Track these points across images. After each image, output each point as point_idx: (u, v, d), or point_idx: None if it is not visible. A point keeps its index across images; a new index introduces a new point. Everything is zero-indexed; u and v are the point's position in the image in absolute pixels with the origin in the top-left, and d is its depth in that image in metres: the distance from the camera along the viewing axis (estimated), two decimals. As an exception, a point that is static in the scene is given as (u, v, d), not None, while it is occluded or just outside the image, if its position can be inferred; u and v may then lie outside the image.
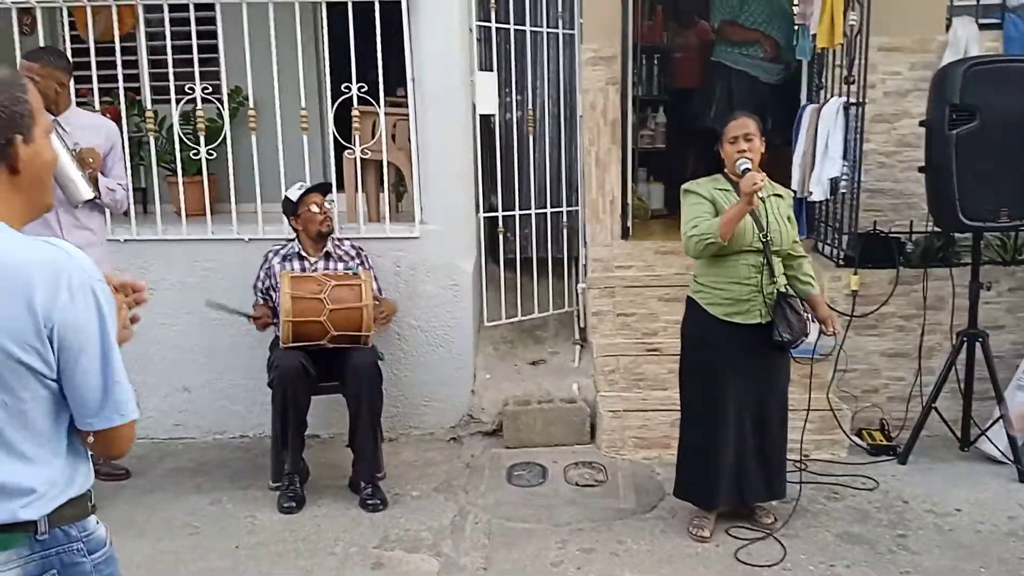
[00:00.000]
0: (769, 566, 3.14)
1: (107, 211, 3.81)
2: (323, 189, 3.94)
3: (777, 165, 4.18)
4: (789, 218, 3.32)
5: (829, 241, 4.57)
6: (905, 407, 4.26)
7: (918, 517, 3.51)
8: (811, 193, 4.41)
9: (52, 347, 1.36)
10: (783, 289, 3.25)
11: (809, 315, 3.30)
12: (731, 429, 3.29)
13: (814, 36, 4.43)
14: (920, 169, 4.09)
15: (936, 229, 4.25)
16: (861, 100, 4.25)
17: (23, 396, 1.37)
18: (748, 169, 3.13)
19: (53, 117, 3.41)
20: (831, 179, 4.29)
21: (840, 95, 4.35)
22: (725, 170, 3.31)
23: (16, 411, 1.37)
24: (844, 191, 4.31)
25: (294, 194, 3.84)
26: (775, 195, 3.32)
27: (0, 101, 1.36)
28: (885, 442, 4.15)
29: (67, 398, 1.42)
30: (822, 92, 4.71)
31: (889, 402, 4.35)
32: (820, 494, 3.69)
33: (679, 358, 3.44)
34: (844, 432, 4.08)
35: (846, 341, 4.24)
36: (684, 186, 3.34)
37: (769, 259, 3.19)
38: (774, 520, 3.40)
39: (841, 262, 4.38)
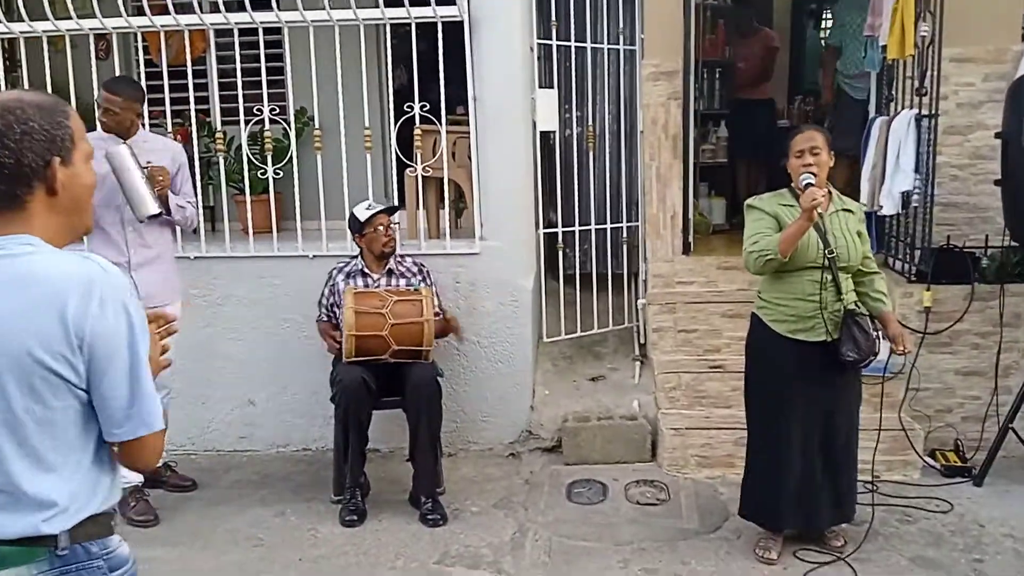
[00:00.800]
0: (839, 591, 3.04)
1: (177, 230, 3.92)
2: (390, 211, 3.97)
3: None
4: (860, 233, 3.22)
5: (901, 256, 4.44)
6: (981, 427, 4.10)
7: (995, 541, 3.37)
8: (881, 207, 4.30)
9: (82, 357, 1.39)
10: (851, 306, 3.15)
11: (879, 333, 3.19)
12: (796, 449, 3.21)
13: (884, 47, 4.34)
14: (996, 182, 3.97)
15: (1013, 243, 4.09)
16: (934, 112, 4.14)
17: (53, 406, 1.40)
18: (811, 184, 3.05)
19: (123, 141, 3.54)
20: (902, 192, 4.17)
21: (911, 107, 4.23)
22: (792, 184, 3.25)
23: (45, 421, 1.40)
24: (916, 205, 4.20)
25: (362, 213, 3.86)
26: (844, 210, 3.23)
27: (41, 124, 1.41)
28: (960, 463, 4.00)
29: (95, 409, 1.44)
30: (892, 104, 4.60)
31: (964, 422, 4.20)
32: (892, 517, 3.57)
33: (744, 375, 3.38)
34: (917, 453, 3.94)
35: (919, 359, 4.11)
36: (748, 201, 3.28)
37: (835, 276, 3.11)
38: (844, 543, 3.30)
39: (913, 278, 4.25)
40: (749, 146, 6.11)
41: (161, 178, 3.60)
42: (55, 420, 1.41)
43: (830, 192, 3.20)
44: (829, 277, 3.11)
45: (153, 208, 3.52)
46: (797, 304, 3.15)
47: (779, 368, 3.20)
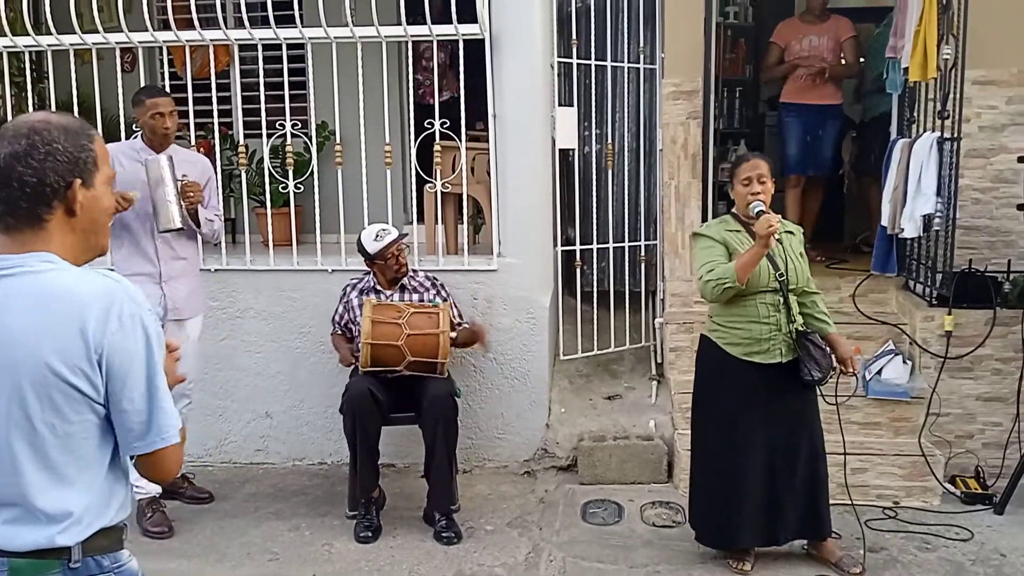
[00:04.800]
0: (857, 619, 3.01)
1: (200, 241, 3.96)
2: (401, 239, 3.93)
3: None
4: (801, 255, 3.28)
5: (922, 280, 4.40)
6: (1002, 454, 4.05)
7: (1017, 572, 3.32)
8: (902, 230, 4.27)
9: (101, 372, 1.42)
10: (801, 327, 3.19)
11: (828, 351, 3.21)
12: (754, 469, 3.22)
13: (906, 69, 4.32)
14: (1019, 206, 3.95)
15: (1036, 268, 4.06)
16: (956, 135, 4.11)
17: (72, 420, 1.42)
18: (762, 211, 3.09)
19: (157, 156, 3.59)
20: (924, 216, 4.15)
21: (933, 130, 4.21)
22: (734, 210, 3.29)
23: (63, 434, 1.42)
24: (938, 228, 4.16)
25: (371, 246, 3.83)
26: (787, 232, 3.28)
27: (66, 146, 1.44)
28: (980, 490, 3.95)
29: (113, 424, 1.47)
30: (914, 126, 4.57)
31: (985, 448, 4.14)
32: (911, 544, 3.53)
33: (692, 397, 3.39)
34: (937, 479, 3.90)
35: (939, 384, 4.07)
36: (695, 230, 3.36)
37: (787, 298, 3.15)
38: (861, 571, 3.26)
39: (934, 301, 4.21)
40: (809, 162, 5.36)
41: (192, 194, 3.64)
42: (73, 433, 1.43)
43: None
44: (781, 299, 3.15)
45: (177, 223, 3.54)
46: (752, 327, 3.17)
47: (733, 389, 3.23)
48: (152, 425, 1.47)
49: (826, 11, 5.31)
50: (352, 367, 3.90)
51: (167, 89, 4.09)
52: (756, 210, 3.10)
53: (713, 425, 3.31)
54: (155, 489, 3.69)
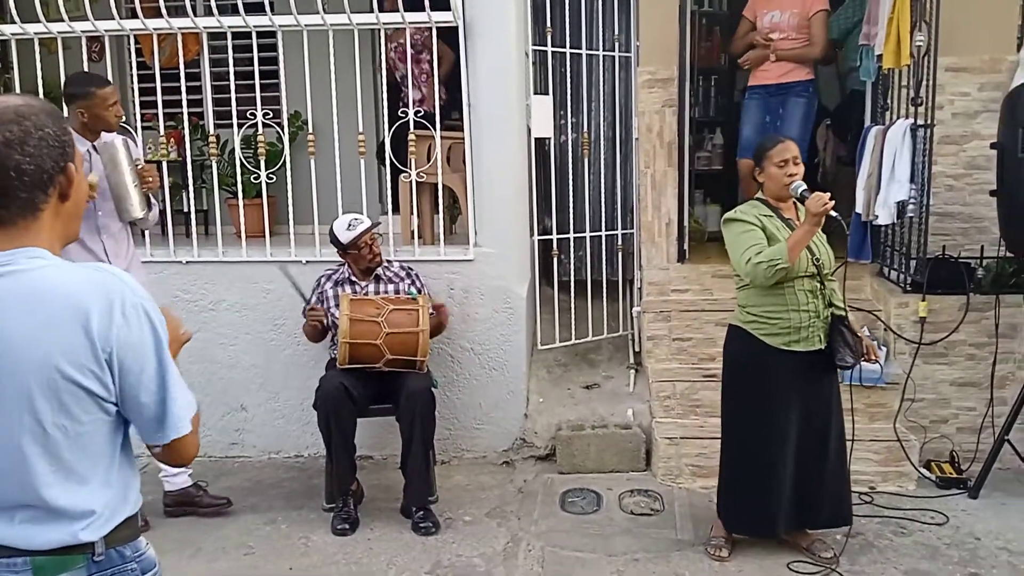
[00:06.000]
0: (834, 604, 3.02)
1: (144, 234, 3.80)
2: (373, 228, 3.90)
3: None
4: (827, 241, 3.29)
5: (896, 266, 4.43)
6: (976, 439, 4.09)
7: (991, 555, 3.35)
8: (876, 217, 4.29)
9: (111, 370, 1.38)
10: (838, 311, 3.19)
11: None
12: (789, 457, 3.22)
13: (879, 56, 4.33)
14: (991, 192, 3.97)
15: (1008, 254, 4.09)
16: (929, 122, 4.13)
17: (83, 420, 1.38)
18: (806, 190, 3.08)
19: (111, 137, 3.42)
20: (898, 202, 4.17)
21: (907, 117, 4.23)
22: (760, 195, 3.27)
23: (75, 435, 1.39)
24: (911, 215, 4.19)
25: (343, 235, 3.81)
26: None
27: (55, 131, 1.39)
28: (955, 475, 3.98)
29: (129, 419, 1.45)
30: (887, 113, 4.59)
31: (959, 433, 4.18)
32: (887, 528, 3.55)
33: (723, 387, 3.37)
34: (912, 464, 3.93)
35: (914, 370, 4.10)
36: (728, 215, 3.27)
37: (824, 283, 3.16)
38: (833, 555, 3.28)
39: (908, 288, 4.24)
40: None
41: (152, 178, 3.50)
42: (84, 433, 1.40)
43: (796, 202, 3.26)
44: (819, 285, 3.14)
45: (139, 212, 3.41)
46: (791, 316, 3.15)
47: (771, 379, 3.20)
48: (167, 418, 1.45)
49: None
50: (328, 362, 3.87)
51: (133, 80, 4.02)
52: (800, 190, 3.10)
53: (749, 415, 3.27)
54: (184, 481, 3.75)
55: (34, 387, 1.35)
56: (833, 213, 3.00)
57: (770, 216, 3.20)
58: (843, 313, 3.20)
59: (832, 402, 3.27)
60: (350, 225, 3.82)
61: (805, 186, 3.11)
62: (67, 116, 3.43)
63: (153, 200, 3.65)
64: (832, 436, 3.26)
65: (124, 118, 3.56)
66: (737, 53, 5.01)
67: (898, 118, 4.34)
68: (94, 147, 3.40)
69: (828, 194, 3.03)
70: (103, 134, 3.45)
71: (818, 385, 3.22)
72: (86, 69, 4.31)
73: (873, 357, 3.33)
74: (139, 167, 3.46)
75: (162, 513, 3.76)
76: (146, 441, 1.48)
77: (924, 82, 4.11)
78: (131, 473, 1.51)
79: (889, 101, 4.59)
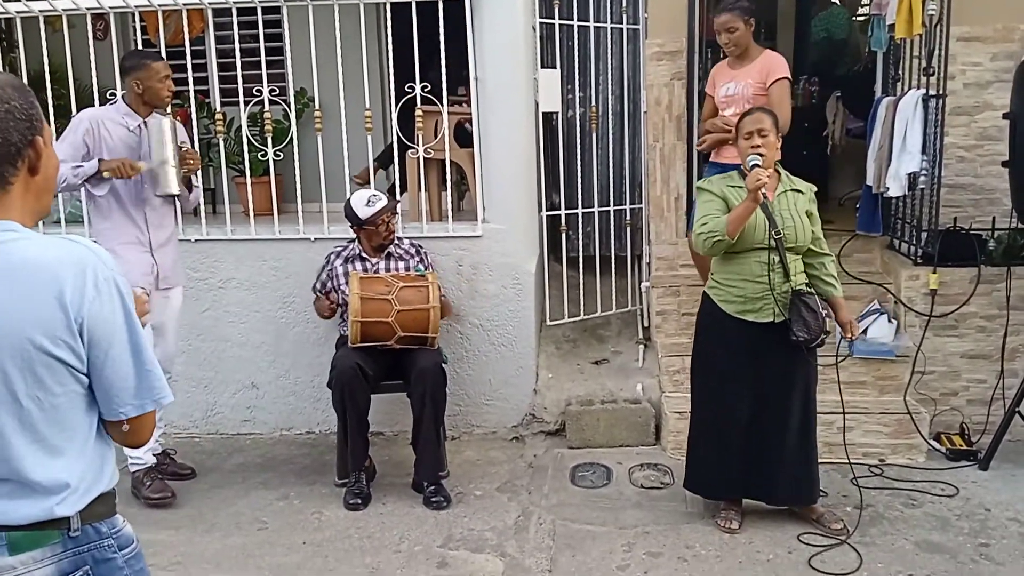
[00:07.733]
0: (845, 574, 3.03)
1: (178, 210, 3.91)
2: (392, 207, 3.89)
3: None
4: (809, 214, 3.23)
5: (907, 238, 4.41)
6: (987, 411, 4.09)
7: (1001, 526, 3.36)
8: (887, 188, 4.26)
9: (83, 341, 1.39)
10: (799, 287, 3.16)
11: (827, 312, 3.19)
12: (742, 425, 3.26)
13: (891, 26, 4.28)
14: (1003, 163, 3.94)
15: (1020, 225, 4.06)
16: (941, 92, 4.09)
17: (57, 392, 1.40)
18: (758, 165, 3.07)
19: (164, 115, 3.52)
20: (909, 174, 4.14)
21: (918, 87, 4.18)
22: (741, 166, 3.26)
23: (50, 407, 1.40)
24: (923, 186, 4.16)
25: (362, 211, 3.78)
26: (794, 190, 3.25)
27: (21, 104, 1.40)
28: (965, 447, 3.99)
29: (96, 391, 1.45)
30: (899, 84, 4.54)
31: (969, 405, 4.18)
32: (897, 500, 3.56)
33: (691, 352, 3.43)
34: (922, 436, 3.93)
35: (924, 342, 4.09)
36: (698, 184, 3.33)
37: (783, 257, 3.11)
38: (843, 526, 3.30)
39: (919, 260, 4.22)
40: None
41: (192, 161, 3.61)
42: (59, 405, 1.41)
43: (779, 172, 3.24)
44: (776, 258, 3.12)
45: (175, 188, 3.52)
46: (746, 285, 3.17)
47: (726, 346, 3.25)
48: (143, 386, 1.46)
49: (747, 51, 4.09)
50: (339, 339, 3.88)
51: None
52: (752, 164, 3.08)
53: (706, 379, 3.35)
54: (150, 459, 3.72)
55: (7, 359, 1.36)
56: (764, 192, 3.00)
57: (739, 187, 3.19)
58: (804, 287, 3.18)
59: (794, 378, 3.24)
60: (369, 201, 3.80)
61: (759, 160, 3.08)
62: (123, 90, 3.61)
63: (195, 182, 3.77)
64: (793, 413, 3.26)
65: (174, 94, 3.65)
66: (702, 134, 4.36)
67: (909, 88, 4.30)
68: (144, 123, 3.52)
69: (768, 171, 3.03)
70: (154, 113, 3.53)
71: (777, 359, 3.21)
72: (91, 48, 4.31)
73: (849, 335, 3.30)
74: (183, 149, 3.56)
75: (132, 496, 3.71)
76: (114, 415, 1.47)
77: (936, 52, 4.06)
78: (106, 448, 1.52)
79: (901, 72, 4.55)
